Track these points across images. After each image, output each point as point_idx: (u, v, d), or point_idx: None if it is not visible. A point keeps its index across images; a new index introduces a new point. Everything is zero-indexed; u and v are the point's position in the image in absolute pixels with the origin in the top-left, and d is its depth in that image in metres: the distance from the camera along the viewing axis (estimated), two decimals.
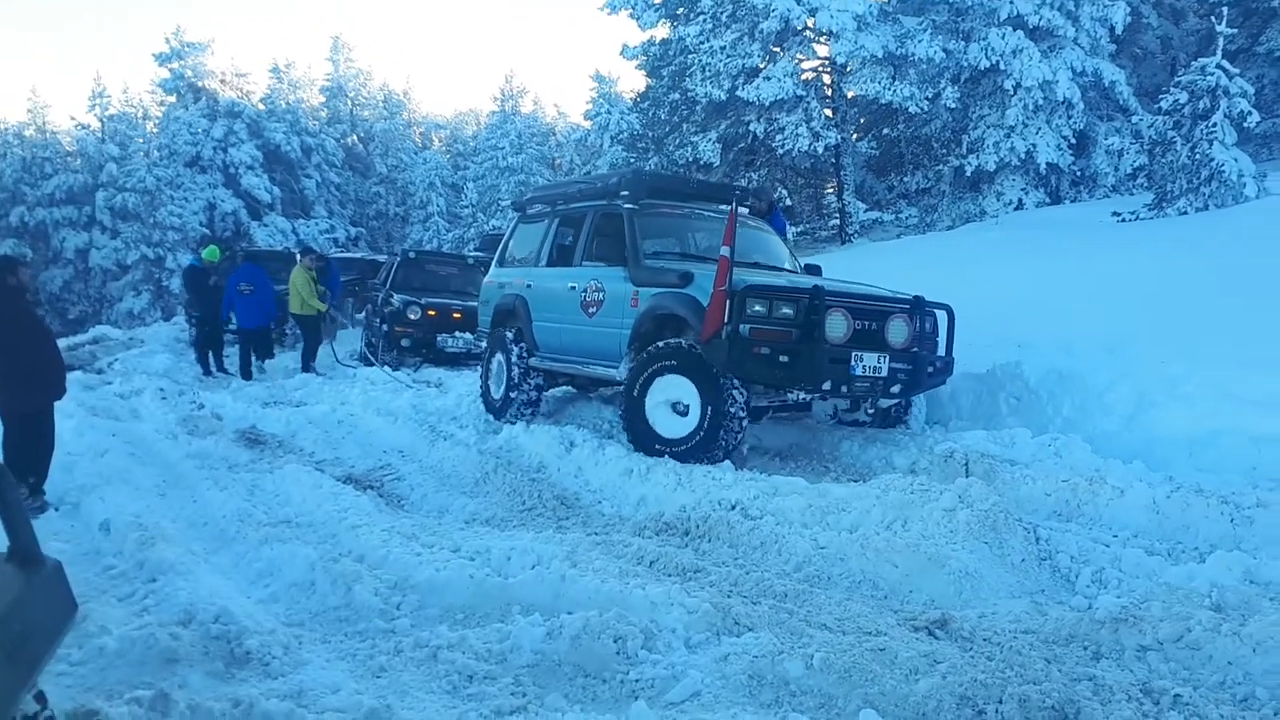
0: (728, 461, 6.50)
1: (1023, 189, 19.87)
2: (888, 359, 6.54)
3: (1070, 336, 7.64)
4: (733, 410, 6.46)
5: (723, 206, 8.54)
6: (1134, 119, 18.76)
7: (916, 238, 18.66)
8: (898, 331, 6.68)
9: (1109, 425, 6.52)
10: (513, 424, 7.99)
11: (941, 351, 7.10)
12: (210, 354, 14.10)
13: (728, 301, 6.19)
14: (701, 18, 20.65)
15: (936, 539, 4.62)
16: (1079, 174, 20.51)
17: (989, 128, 19.61)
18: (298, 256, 14.81)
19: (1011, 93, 18.82)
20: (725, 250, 6.22)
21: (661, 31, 23.07)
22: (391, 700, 3.28)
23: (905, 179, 22.76)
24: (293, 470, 6.72)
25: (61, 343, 17.56)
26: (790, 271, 7.93)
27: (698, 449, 6.51)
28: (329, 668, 3.68)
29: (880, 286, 7.24)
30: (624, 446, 6.81)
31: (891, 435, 7.21)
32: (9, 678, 1.94)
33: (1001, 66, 18.56)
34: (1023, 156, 19.10)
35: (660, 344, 6.80)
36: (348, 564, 4.66)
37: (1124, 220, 13.85)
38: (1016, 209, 19.44)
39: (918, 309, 6.83)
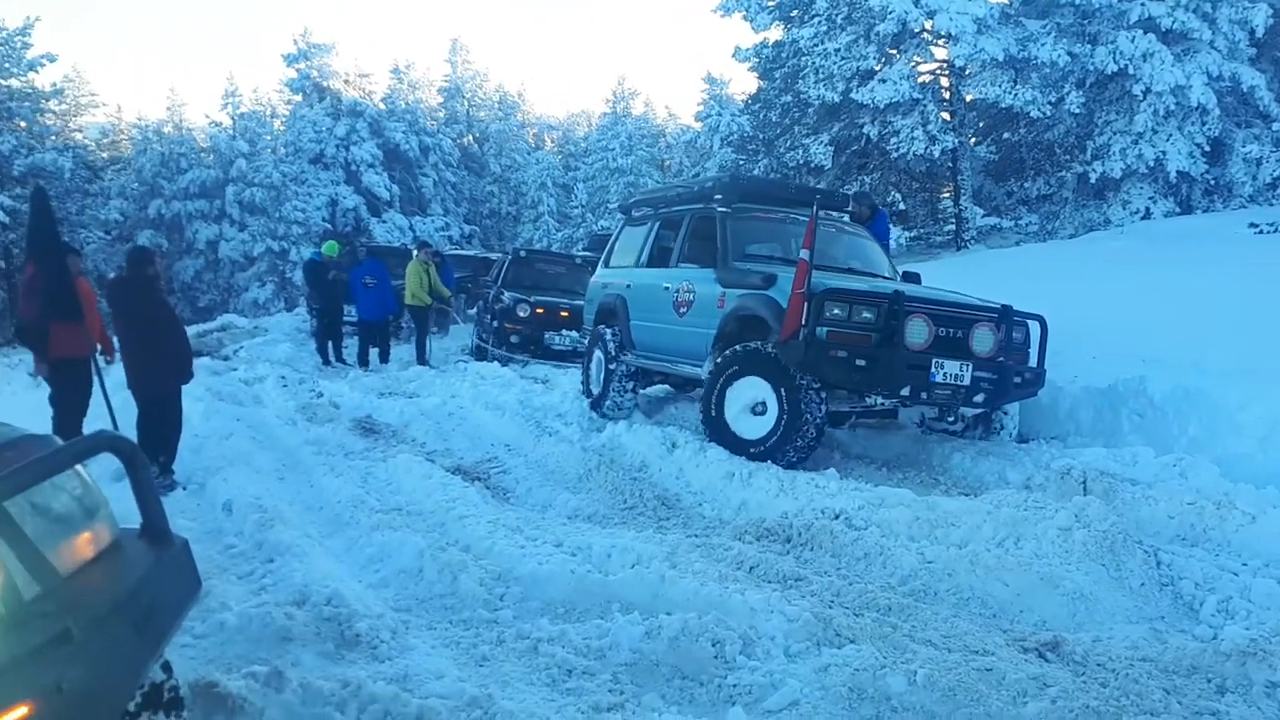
0: (833, 470, 6.43)
1: (1150, 198, 19.01)
2: (971, 367, 6.45)
3: (1200, 353, 7.27)
4: (808, 413, 6.46)
5: (823, 211, 8.58)
6: (1275, 126, 17.75)
7: (1036, 245, 18.05)
8: (983, 340, 6.56)
9: (1240, 447, 6.17)
10: (616, 422, 8.07)
11: (1033, 363, 6.97)
12: (329, 344, 14.62)
13: (806, 304, 6.21)
14: (816, 20, 20.41)
15: (1050, 558, 4.46)
16: (1213, 183, 19.52)
17: (1115, 134, 18.84)
18: (413, 252, 15.26)
19: (1140, 98, 18.03)
20: (804, 254, 6.25)
21: (775, 33, 22.89)
22: (493, 690, 3.34)
23: (1025, 185, 22.02)
24: (404, 460, 6.91)
25: (192, 330, 18.54)
26: (884, 278, 7.87)
27: (773, 450, 6.53)
28: (433, 654, 3.77)
29: (970, 295, 7.12)
30: (726, 450, 6.78)
31: (1005, 449, 6.99)
32: (138, 648, 2.05)
33: (1130, 70, 17.80)
34: (1151, 164, 18.29)
35: (739, 346, 6.89)
36: (454, 553, 4.77)
37: (1262, 232, 13.12)
38: (1143, 218, 18.62)
39: (1005, 318, 6.70)
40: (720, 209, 7.92)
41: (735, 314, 7.14)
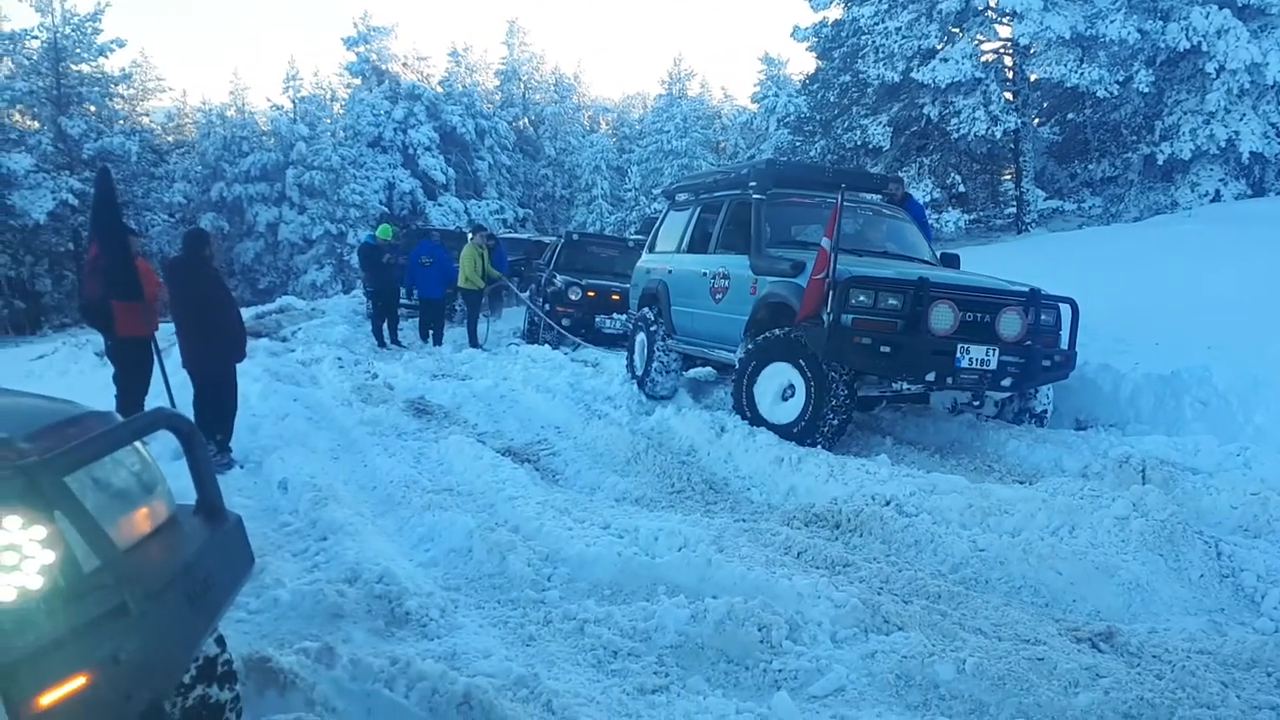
0: (884, 456, 6.37)
1: (1221, 179, 18.45)
2: (997, 352, 6.48)
3: (1269, 340, 7.06)
4: (834, 396, 6.50)
5: (866, 195, 8.71)
6: None
7: (1100, 229, 17.63)
8: (1010, 324, 6.55)
9: None
10: (664, 406, 8.10)
11: (1064, 345, 6.94)
12: (385, 326, 14.81)
13: (830, 291, 6.27)
14: None
15: (1106, 548, 4.37)
16: None
17: (1185, 113, 18.29)
18: (468, 235, 15.38)
19: (1214, 76, 17.48)
20: (826, 242, 6.31)
21: (835, 13, 22.60)
22: (539, 669, 3.37)
23: (1090, 167, 21.50)
24: (456, 441, 6.99)
25: (251, 311, 18.91)
26: (921, 261, 7.81)
27: (802, 433, 6.58)
28: (481, 633, 3.82)
29: (1000, 278, 7.09)
30: (774, 435, 6.75)
31: (1063, 436, 6.85)
32: (193, 622, 2.10)
33: (1203, 48, 17.25)
34: (1223, 145, 17.73)
35: (764, 334, 7.00)
36: (503, 534, 4.82)
37: None
38: (1213, 201, 18.08)
39: (1033, 302, 6.68)
40: (755, 195, 7.97)
41: (766, 300, 7.24)
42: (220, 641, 2.62)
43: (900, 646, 3.49)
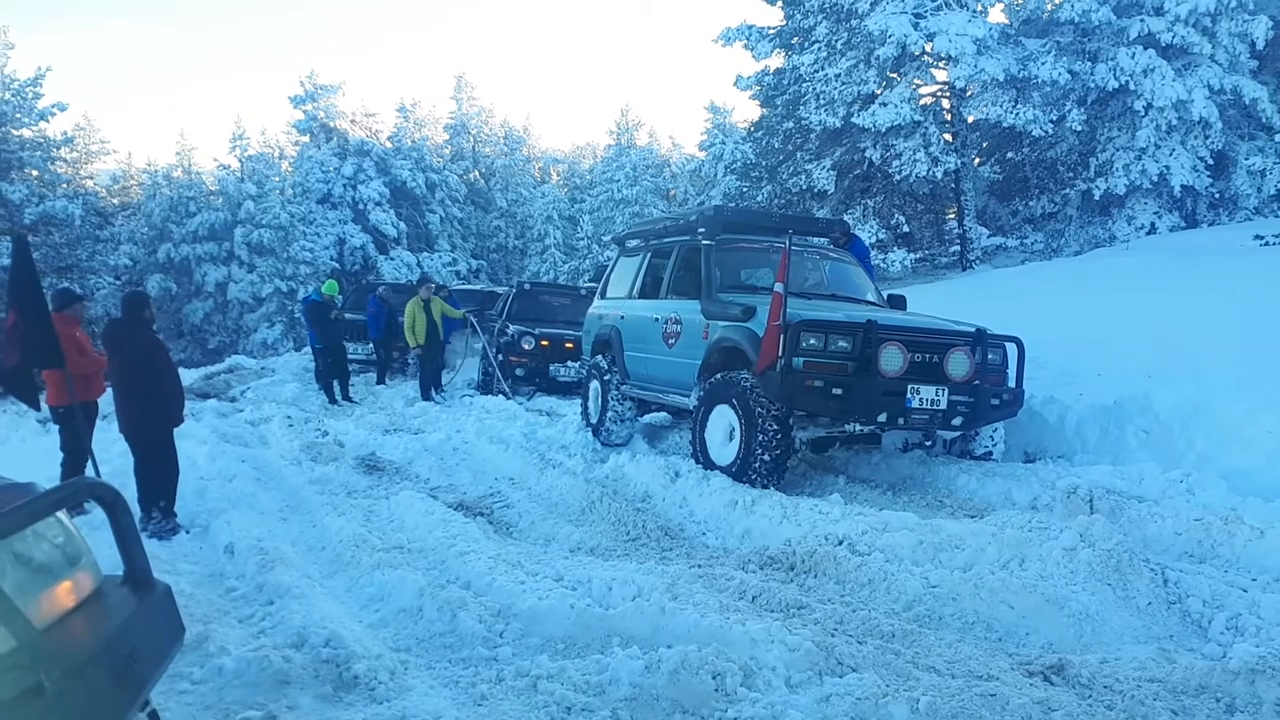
0: (836, 495, 6.40)
1: (1155, 212, 19.00)
2: (947, 391, 6.58)
3: (1206, 367, 7.23)
4: (763, 434, 6.56)
5: (813, 239, 8.86)
6: (1278, 138, 17.73)
7: (1042, 264, 18.00)
8: (958, 365, 6.71)
9: (1248, 461, 6.11)
10: (619, 453, 8.07)
11: (1011, 383, 7.06)
12: (334, 383, 14.65)
13: (782, 335, 6.31)
14: (816, 46, 20.51)
15: (1055, 579, 4.41)
16: (1217, 196, 19.49)
17: (1118, 150, 18.85)
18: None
19: (1142, 113, 18.06)
20: (779, 286, 6.38)
21: (776, 61, 23.02)
22: None
23: (1030, 203, 22.01)
24: (407, 497, 6.90)
25: (200, 372, 18.61)
26: (869, 303, 7.97)
27: (739, 472, 6.72)
28: (432, 694, 3.73)
29: (946, 319, 7.23)
30: (728, 478, 6.75)
31: (1012, 469, 6.94)
32: (118, 697, 2.03)
33: (1131, 87, 17.84)
34: (1155, 179, 18.28)
35: (713, 378, 7.10)
36: (454, 591, 4.74)
37: (1267, 244, 13.07)
38: (1149, 233, 18.60)
39: (980, 341, 6.83)
40: (705, 241, 8.04)
41: (718, 345, 7.29)
42: (153, 716, 2.53)
43: (854, 688, 3.47)
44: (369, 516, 6.71)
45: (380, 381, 16.18)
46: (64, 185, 34.91)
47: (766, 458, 6.60)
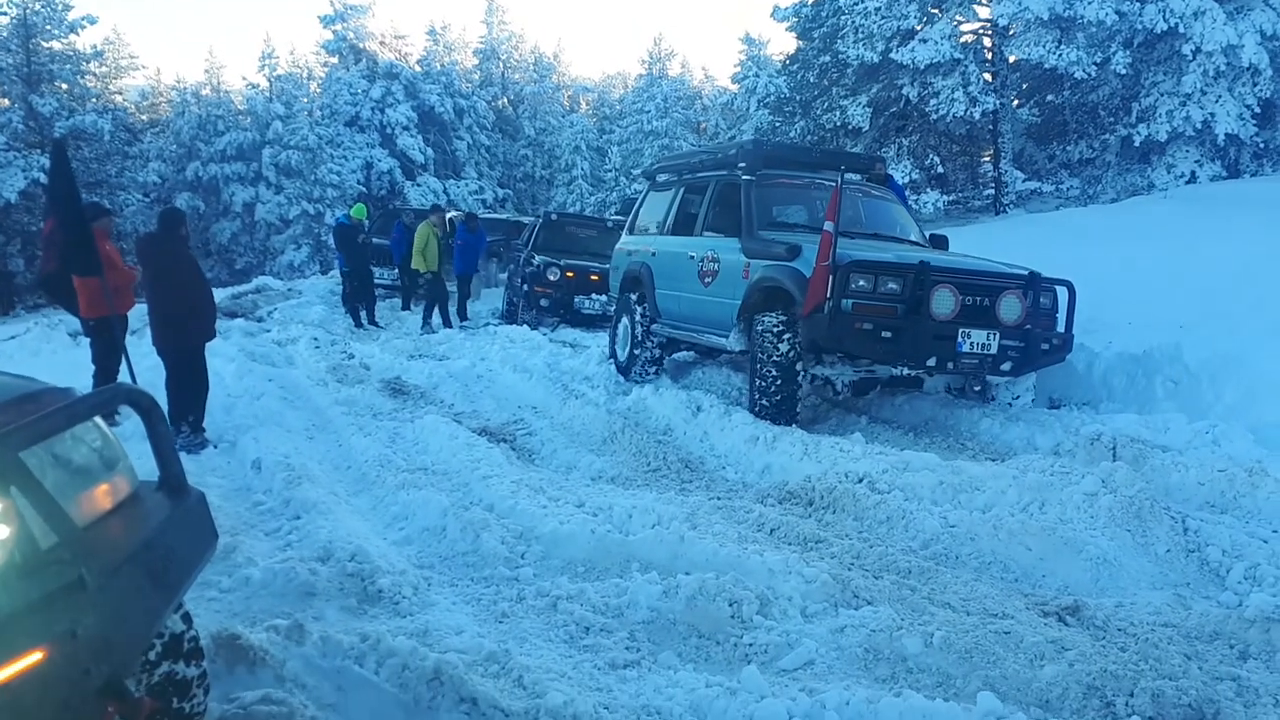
0: (858, 434, 6.40)
1: (1197, 161, 18.54)
2: (998, 336, 6.40)
3: (1240, 319, 7.12)
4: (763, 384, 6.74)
5: (850, 175, 8.43)
6: None
7: (1077, 210, 17.70)
8: (1010, 308, 6.48)
9: (1277, 415, 6.04)
10: (641, 386, 8.09)
11: (1060, 328, 6.89)
12: (361, 307, 14.73)
13: (831, 276, 6.13)
14: None
15: (1075, 523, 4.43)
16: (1262, 146, 19.00)
17: (1162, 95, 18.35)
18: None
19: (1190, 58, 17.52)
20: (829, 225, 6.17)
21: None
22: (511, 646, 3.38)
23: (1068, 148, 21.56)
24: (432, 420, 6.97)
25: (227, 291, 18.77)
26: (911, 243, 7.73)
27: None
28: (454, 610, 3.82)
29: (998, 261, 7.01)
30: (750, 413, 6.77)
31: (1035, 415, 6.90)
32: (154, 597, 2.09)
33: (1180, 29, 17.28)
34: (1199, 126, 17.81)
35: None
36: (477, 512, 4.82)
37: None
38: (1188, 182, 18.18)
39: (1033, 285, 6.61)
40: (744, 176, 7.81)
41: (759, 285, 7.05)
42: (187, 618, 2.60)
43: (869, 621, 3.52)
44: (394, 438, 6.79)
45: (405, 307, 16.26)
46: (93, 100, 34.93)
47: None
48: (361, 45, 41.10)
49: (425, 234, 13.76)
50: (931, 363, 6.38)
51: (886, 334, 6.18)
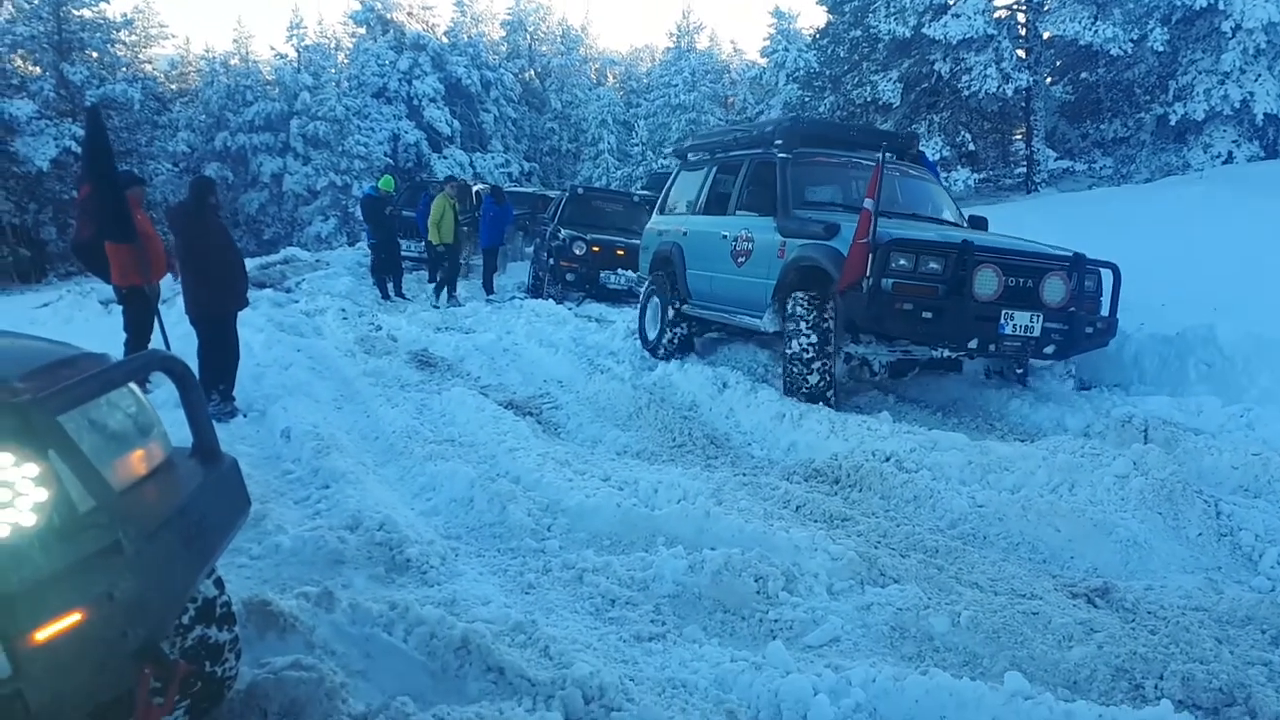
0: (886, 413, 6.34)
1: (1234, 141, 18.19)
2: (1041, 318, 6.25)
3: (1275, 301, 7.00)
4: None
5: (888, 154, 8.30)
6: None
7: (1110, 189, 17.43)
8: (1054, 290, 6.31)
9: None
10: (667, 361, 8.07)
11: (1104, 312, 6.72)
12: (388, 279, 14.77)
13: (870, 255, 6.00)
14: None
15: (1105, 505, 4.39)
16: None
17: (1200, 73, 17.99)
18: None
19: (1230, 35, 17.16)
20: (869, 203, 6.05)
21: None
22: (537, 616, 3.40)
23: (1101, 127, 21.21)
24: (459, 393, 7.00)
25: (255, 262, 18.86)
26: (949, 223, 7.60)
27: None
28: (481, 580, 3.85)
29: (1041, 242, 6.84)
30: (776, 390, 6.74)
31: (1066, 396, 6.84)
32: (188, 562, 2.11)
33: (1220, 6, 16.91)
34: (1237, 105, 17.45)
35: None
36: (504, 484, 4.85)
37: None
38: (1225, 163, 17.84)
39: (1077, 267, 6.43)
40: (780, 154, 7.67)
41: (796, 264, 6.90)
42: (219, 584, 2.63)
43: (896, 599, 3.51)
44: (421, 410, 6.83)
45: (432, 280, 16.28)
46: (123, 69, 35.12)
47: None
48: (389, 16, 41.06)
49: (441, 206, 13.75)
50: (973, 345, 6.24)
51: (927, 314, 6.04)
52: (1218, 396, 6.24)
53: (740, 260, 7.73)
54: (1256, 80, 17.34)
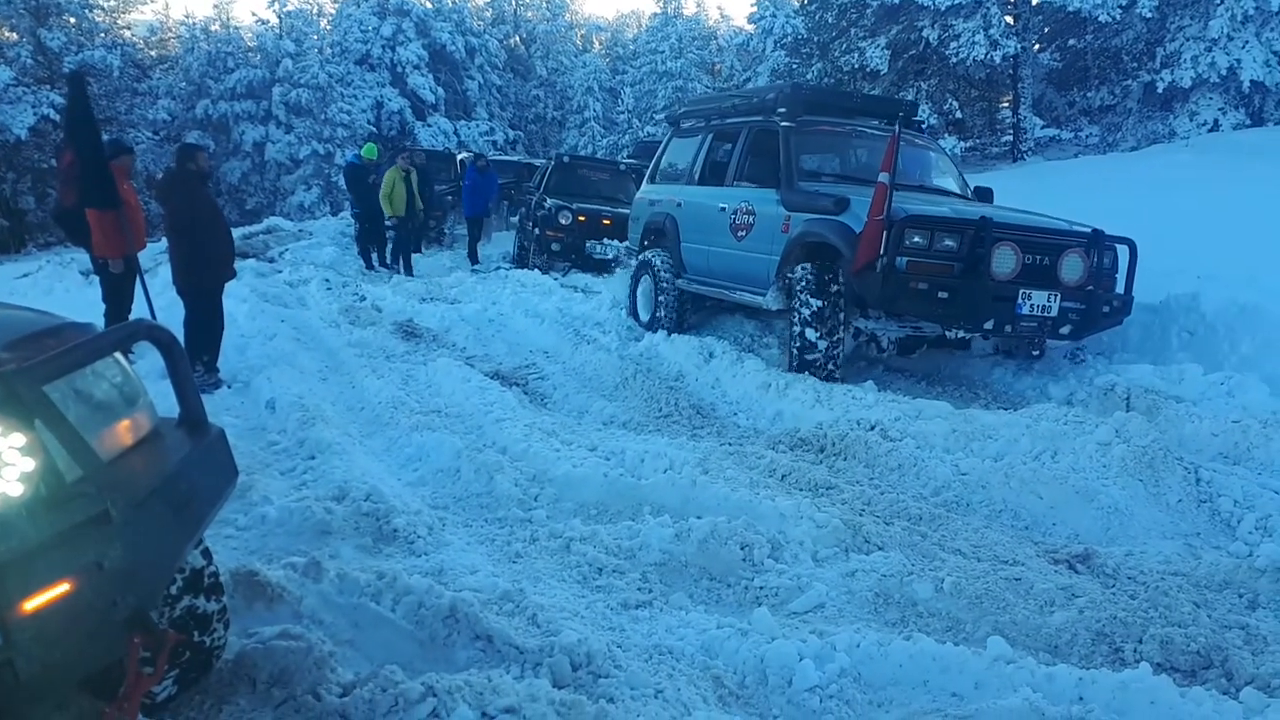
0: (870, 382, 6.33)
1: (1220, 109, 18.23)
2: (1059, 298, 6.07)
3: (1259, 269, 7.04)
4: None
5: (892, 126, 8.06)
6: None
7: (1096, 158, 17.48)
8: (1072, 268, 6.12)
9: None
10: (654, 332, 8.03)
11: (1120, 289, 6.52)
12: (372, 248, 14.69)
13: (885, 232, 5.80)
14: None
15: (1087, 473, 4.44)
16: None
17: (1188, 40, 17.98)
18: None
19: (1218, 1, 17.14)
20: (884, 176, 5.82)
21: None
22: (525, 585, 3.42)
23: (1089, 94, 21.23)
24: (444, 363, 6.99)
25: (238, 231, 18.70)
26: (957, 196, 7.37)
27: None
28: (468, 550, 3.87)
29: (1055, 216, 6.65)
30: (762, 360, 6.76)
31: (1050, 364, 6.89)
32: (176, 531, 2.11)
33: None
34: (1224, 73, 17.46)
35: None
36: (491, 455, 4.85)
37: None
38: (1211, 130, 17.89)
39: (1096, 243, 6.23)
40: (783, 123, 7.36)
41: (802, 239, 6.64)
42: (207, 554, 2.63)
43: (880, 565, 3.55)
44: (407, 380, 6.82)
45: (416, 250, 16.19)
46: (102, 35, 34.62)
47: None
48: None
49: (391, 178, 13.54)
50: (989, 325, 6.04)
51: (943, 294, 5.84)
52: (1199, 364, 6.28)
53: (740, 234, 7.47)
54: (1244, 47, 17.34)
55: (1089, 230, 6.32)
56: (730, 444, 5.31)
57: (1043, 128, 20.13)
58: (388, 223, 13.80)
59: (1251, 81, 17.41)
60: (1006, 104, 22.83)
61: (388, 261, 14.58)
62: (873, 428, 5.17)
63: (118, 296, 6.86)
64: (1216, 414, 5.22)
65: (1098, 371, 6.51)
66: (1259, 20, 17.33)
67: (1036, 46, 21.44)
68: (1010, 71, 20.42)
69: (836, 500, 4.33)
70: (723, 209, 7.73)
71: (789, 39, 26.39)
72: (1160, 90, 18.54)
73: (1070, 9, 18.13)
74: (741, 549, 3.65)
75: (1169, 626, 3.06)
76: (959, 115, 20.86)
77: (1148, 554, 3.82)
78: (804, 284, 6.44)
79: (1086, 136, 20.41)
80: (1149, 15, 17.88)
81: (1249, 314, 6.51)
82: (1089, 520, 4.17)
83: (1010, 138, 21.11)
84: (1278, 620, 3.27)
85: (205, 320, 6.54)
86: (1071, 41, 21.35)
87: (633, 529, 3.93)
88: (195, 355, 6.39)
